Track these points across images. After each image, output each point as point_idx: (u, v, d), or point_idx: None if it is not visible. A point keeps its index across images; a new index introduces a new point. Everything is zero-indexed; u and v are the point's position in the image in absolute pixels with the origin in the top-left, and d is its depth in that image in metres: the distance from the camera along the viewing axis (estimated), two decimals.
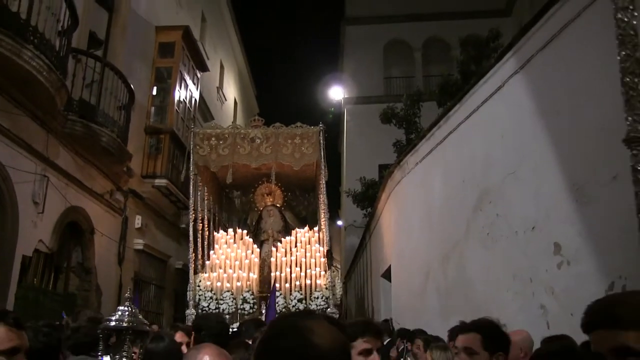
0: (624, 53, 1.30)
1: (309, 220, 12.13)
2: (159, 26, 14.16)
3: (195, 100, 15.87)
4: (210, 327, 4.17)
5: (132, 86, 11.25)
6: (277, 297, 8.62)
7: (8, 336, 2.24)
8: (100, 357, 2.83)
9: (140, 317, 2.14)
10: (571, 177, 4.73)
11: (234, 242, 10.72)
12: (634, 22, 1.34)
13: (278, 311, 8.41)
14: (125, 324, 1.91)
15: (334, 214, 29.95)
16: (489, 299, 6.15)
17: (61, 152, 9.31)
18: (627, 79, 1.27)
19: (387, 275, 11.78)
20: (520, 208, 5.60)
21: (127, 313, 1.94)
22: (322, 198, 10.54)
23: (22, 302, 7.78)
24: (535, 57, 5.41)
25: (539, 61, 5.38)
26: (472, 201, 6.73)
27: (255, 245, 10.82)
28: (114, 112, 10.59)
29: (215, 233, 11.19)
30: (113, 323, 1.97)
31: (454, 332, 5.37)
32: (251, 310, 9.57)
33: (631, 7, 1.31)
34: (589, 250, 4.39)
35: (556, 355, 2.46)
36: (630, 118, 1.33)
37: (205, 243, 10.76)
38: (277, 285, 9.37)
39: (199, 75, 16.11)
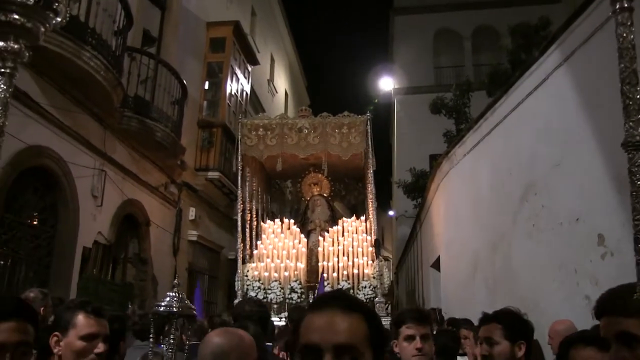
0: (622, 65, 1.43)
1: (359, 209, 12.16)
2: (210, 22, 14.47)
3: (247, 93, 16.17)
4: (245, 312, 4.28)
5: (184, 81, 11.58)
6: (325, 286, 8.59)
7: (87, 322, 2.51)
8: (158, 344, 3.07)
9: (187, 302, 2.33)
10: (614, 168, 4.75)
11: (281, 232, 10.79)
12: (631, 37, 1.46)
13: None
14: (174, 309, 2.09)
15: (385, 205, 30.04)
16: (534, 289, 6.19)
17: (118, 147, 9.69)
18: (625, 88, 1.41)
19: (436, 265, 11.86)
20: (565, 200, 5.63)
21: (175, 299, 2.12)
22: (370, 187, 10.52)
23: (83, 291, 8.16)
24: (579, 50, 5.41)
25: (581, 54, 5.38)
26: (519, 192, 6.77)
27: (302, 235, 10.86)
28: (168, 107, 10.94)
29: (262, 223, 11.29)
30: (162, 308, 2.16)
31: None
32: (299, 300, 9.58)
33: (629, 22, 1.44)
34: (631, 240, 4.41)
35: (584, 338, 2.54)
36: (626, 125, 1.46)
37: (253, 233, 10.88)
38: (325, 275, 9.44)
39: (249, 68, 16.39)
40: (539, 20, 15.70)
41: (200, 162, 13.44)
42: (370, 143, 10.29)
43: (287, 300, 9.63)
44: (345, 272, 9.71)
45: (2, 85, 1.88)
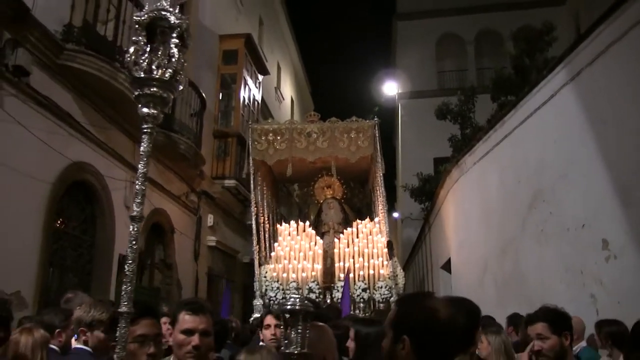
0: None
1: (364, 212, 12.31)
2: (222, 34, 14.98)
3: (257, 102, 16.70)
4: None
5: (203, 95, 12.12)
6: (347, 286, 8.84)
7: (186, 320, 3.01)
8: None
9: (307, 302, 2.79)
10: (617, 180, 5.31)
11: (297, 234, 10.87)
12: None
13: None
14: (297, 307, 2.55)
15: (390, 207, 30.46)
16: (542, 290, 6.74)
17: None
18: None
19: (446, 267, 12.39)
20: (571, 207, 6.19)
21: (298, 300, 2.57)
22: (380, 190, 10.73)
23: (119, 295, 8.67)
24: (584, 70, 5.97)
25: (587, 75, 5.94)
26: (527, 200, 7.33)
27: (318, 237, 10.92)
28: (187, 120, 11.48)
29: (278, 225, 11.44)
30: (289, 307, 2.62)
31: (511, 319, 6.02)
32: (317, 300, 9.41)
33: None
34: (634, 246, 4.98)
35: None
36: None
37: (267, 236, 11.09)
38: (342, 275, 9.63)
39: (260, 78, 16.92)
40: (543, 25, 15.98)
41: (216, 171, 13.97)
42: (378, 147, 10.53)
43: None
44: (361, 273, 9.89)
45: (145, 142, 2.40)
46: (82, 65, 7.66)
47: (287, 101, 25.50)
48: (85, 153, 8.16)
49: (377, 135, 10.57)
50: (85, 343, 3.53)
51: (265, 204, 11.44)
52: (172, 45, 2.17)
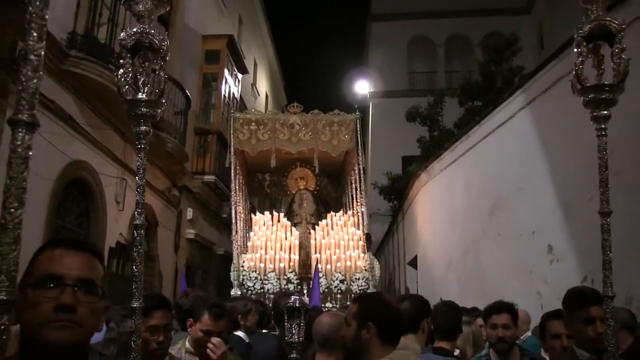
0: None
1: (333, 205, 12.46)
2: (205, 35, 15.52)
3: (237, 100, 17.30)
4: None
5: (189, 94, 12.74)
6: (320, 277, 8.89)
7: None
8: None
9: (304, 299, 3.28)
10: (562, 195, 6.19)
11: (272, 224, 10.78)
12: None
13: (321, 292, 8.81)
14: (298, 305, 3.08)
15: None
16: (498, 286, 7.61)
17: (135, 157, 10.79)
18: None
19: (413, 263, 13.24)
20: (524, 216, 7.07)
21: (297, 299, 2.82)
22: (358, 184, 10.87)
23: (109, 288, 9.30)
24: (539, 98, 6.83)
25: (540, 102, 6.81)
26: (488, 207, 8.20)
27: (294, 228, 10.86)
28: (172, 118, 12.07)
29: (252, 215, 11.36)
30: (290, 304, 3.12)
31: (469, 313, 6.87)
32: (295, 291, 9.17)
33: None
34: (572, 252, 5.86)
35: None
36: None
37: (243, 225, 11.10)
38: (320, 266, 9.56)
39: (239, 77, 17.54)
40: (509, 35, 16.93)
41: (197, 166, 14.59)
42: (360, 142, 10.67)
43: (284, 291, 9.43)
44: (339, 264, 9.88)
45: (141, 156, 2.28)
46: (85, 70, 8.28)
47: (262, 97, 26.08)
48: (83, 152, 8.77)
49: (358, 129, 10.72)
50: None
51: (242, 194, 11.43)
52: (157, 67, 2.22)
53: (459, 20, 25.07)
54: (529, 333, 5.81)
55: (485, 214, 8.25)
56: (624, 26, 1.90)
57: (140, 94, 2.14)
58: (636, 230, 5.03)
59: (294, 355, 2.74)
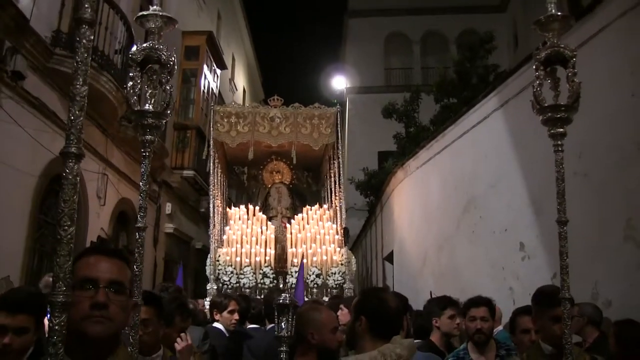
0: None
1: (308, 198, 12.41)
2: (185, 31, 15.60)
3: (215, 95, 17.42)
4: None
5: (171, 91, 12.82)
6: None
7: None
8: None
9: (293, 297, 3.48)
10: (532, 194, 6.47)
11: (248, 218, 10.72)
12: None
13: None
14: (288, 302, 3.26)
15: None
16: (472, 282, 7.89)
17: (116, 153, 10.97)
18: None
19: (389, 258, 13.52)
20: (497, 214, 7.35)
21: (287, 297, 2.98)
22: (337, 178, 10.85)
23: None
24: (512, 100, 7.11)
25: (513, 104, 7.09)
26: (462, 204, 8.48)
27: (270, 222, 10.81)
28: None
29: (228, 209, 11.33)
30: (281, 301, 3.31)
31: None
32: (271, 285, 9.57)
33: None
34: (542, 249, 6.14)
35: None
36: None
37: (221, 219, 11.06)
38: (296, 260, 9.58)
39: (218, 73, 17.66)
40: (483, 34, 17.21)
41: (176, 161, 14.71)
42: (340, 135, 10.64)
43: (260, 285, 9.73)
44: (315, 259, 9.84)
45: (146, 163, 2.51)
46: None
47: (240, 92, 26.19)
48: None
49: (339, 123, 10.73)
50: None
51: (220, 187, 11.39)
52: (163, 80, 2.38)
53: (434, 17, 25.34)
54: (500, 327, 6.08)
55: (460, 211, 8.53)
56: (575, 52, 2.13)
57: (147, 105, 2.33)
58: (602, 230, 5.33)
59: (284, 348, 2.92)
